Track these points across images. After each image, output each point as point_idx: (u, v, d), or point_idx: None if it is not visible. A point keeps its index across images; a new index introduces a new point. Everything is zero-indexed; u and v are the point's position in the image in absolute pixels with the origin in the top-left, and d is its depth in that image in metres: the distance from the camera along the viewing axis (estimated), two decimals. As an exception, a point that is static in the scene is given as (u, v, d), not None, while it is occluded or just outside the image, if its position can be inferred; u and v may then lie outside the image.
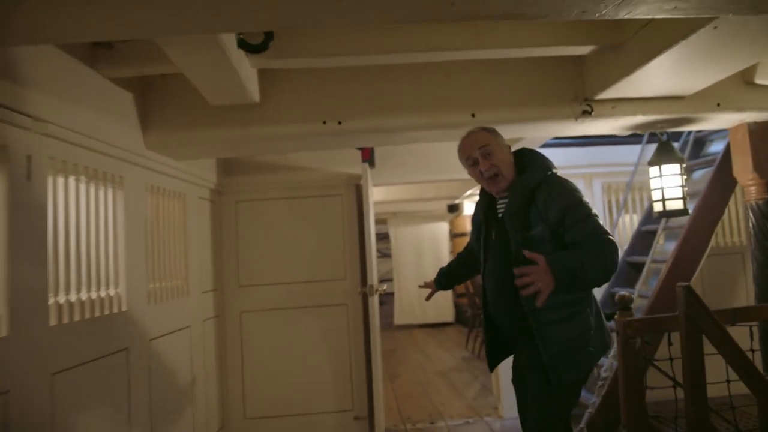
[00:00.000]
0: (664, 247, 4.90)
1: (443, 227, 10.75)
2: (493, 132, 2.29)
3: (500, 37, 2.57)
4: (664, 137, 3.43)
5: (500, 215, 2.24)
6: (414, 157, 4.73)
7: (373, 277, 3.82)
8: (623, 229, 5.20)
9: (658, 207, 3.38)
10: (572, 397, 2.21)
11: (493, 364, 2.48)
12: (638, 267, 4.91)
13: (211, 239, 4.10)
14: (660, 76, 2.80)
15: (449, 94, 3.06)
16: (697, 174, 5.00)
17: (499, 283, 2.22)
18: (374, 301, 3.79)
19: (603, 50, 2.76)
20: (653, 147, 5.22)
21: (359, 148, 3.72)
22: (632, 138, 5.19)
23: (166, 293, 3.22)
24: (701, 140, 5.15)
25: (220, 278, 4.26)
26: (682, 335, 2.93)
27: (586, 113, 3.08)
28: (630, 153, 5.14)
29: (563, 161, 4.96)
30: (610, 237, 2.05)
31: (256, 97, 2.84)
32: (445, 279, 2.83)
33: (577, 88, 3.13)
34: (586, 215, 2.06)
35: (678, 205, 3.30)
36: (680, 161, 3.33)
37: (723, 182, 4.29)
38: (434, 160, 4.75)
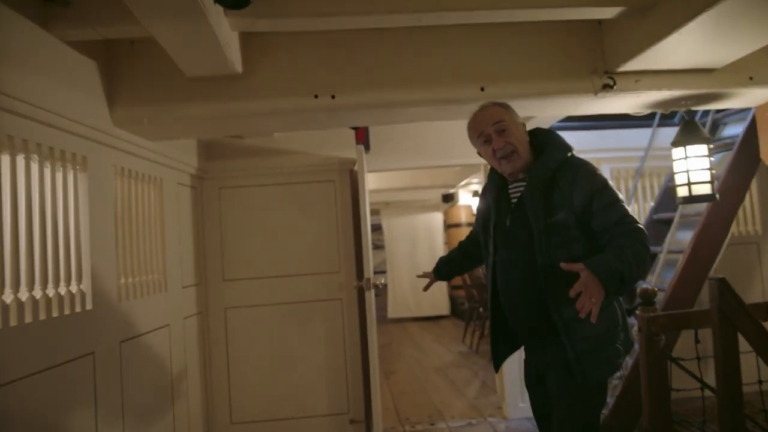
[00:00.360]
0: (678, 236, 4.62)
1: (438, 218, 10.50)
2: (508, 108, 2.07)
3: (516, -5, 2.25)
4: (689, 115, 3.13)
5: (514, 200, 2.04)
6: (412, 141, 4.41)
7: (370, 270, 3.50)
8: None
9: (682, 192, 3.08)
10: (601, 399, 2.02)
11: (499, 363, 2.24)
12: (651, 258, 4.63)
13: (192, 229, 3.76)
14: (690, 45, 2.51)
15: (456, 66, 2.74)
16: (714, 158, 4.72)
17: (515, 274, 2.00)
18: (371, 297, 3.48)
19: (629, 14, 2.44)
20: (666, 130, 4.98)
21: (353, 128, 3.38)
22: (643, 121, 4.91)
23: (141, 289, 2.89)
24: (716, 123, 4.87)
25: (203, 272, 3.92)
26: (715, 332, 2.67)
27: (608, 87, 2.77)
28: (640, 137, 4.85)
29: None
30: (640, 225, 1.86)
31: (238, 66, 2.51)
32: (445, 268, 2.60)
33: (597, 60, 2.82)
34: (614, 200, 1.89)
35: (705, 189, 3.01)
36: (707, 141, 3.04)
37: (744, 166, 4.02)
38: (433, 145, 4.44)
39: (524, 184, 1.99)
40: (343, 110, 2.70)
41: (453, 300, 10.30)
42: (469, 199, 10.10)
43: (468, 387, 5.48)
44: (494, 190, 2.11)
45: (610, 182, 1.95)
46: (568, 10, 2.35)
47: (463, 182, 6.51)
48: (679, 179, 3.10)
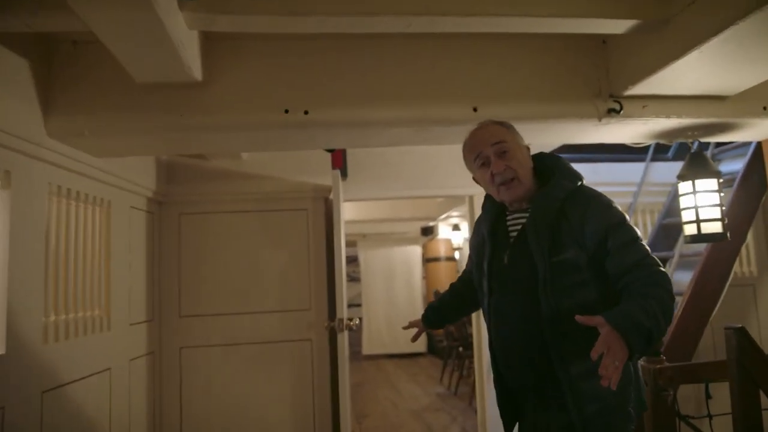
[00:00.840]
0: (676, 277, 4.35)
1: (416, 251, 10.19)
2: (510, 128, 1.79)
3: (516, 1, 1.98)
4: (695, 146, 2.87)
5: (513, 233, 1.75)
6: (392, 169, 4.10)
7: (343, 309, 3.13)
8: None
9: (690, 230, 2.80)
10: None
11: (509, 425, 1.85)
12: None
13: (146, 258, 3.36)
14: (704, 68, 2.27)
15: (446, 82, 2.44)
16: (707, 196, 4.50)
17: (514, 321, 1.71)
18: (344, 339, 3.10)
19: (642, 30, 2.18)
20: (659, 165, 4.77)
21: (329, 151, 3.05)
22: (635, 155, 4.69)
23: (76, 328, 2.48)
24: (712, 159, 4.66)
25: (157, 307, 3.51)
26: (733, 389, 2.36)
27: (613, 112, 2.50)
28: (633, 171, 4.62)
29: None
30: (663, 268, 1.57)
31: (197, 73, 2.17)
32: (435, 315, 2.20)
33: (601, 81, 2.56)
34: (633, 238, 1.61)
35: (715, 227, 2.73)
36: (717, 175, 2.78)
37: (745, 203, 3.80)
38: (415, 173, 4.13)
39: (526, 215, 1.72)
40: (318, 128, 2.37)
41: (430, 337, 9.89)
42: (449, 232, 9.83)
43: (447, 435, 5.07)
44: (490, 220, 1.82)
45: (628, 217, 1.66)
46: (575, 22, 2.08)
47: (444, 215, 6.20)
48: (687, 216, 2.82)
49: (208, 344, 3.54)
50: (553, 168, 1.76)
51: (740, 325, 2.31)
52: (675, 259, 3.68)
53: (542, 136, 2.73)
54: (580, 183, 1.73)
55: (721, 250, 3.74)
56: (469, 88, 2.45)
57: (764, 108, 2.66)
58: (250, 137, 2.45)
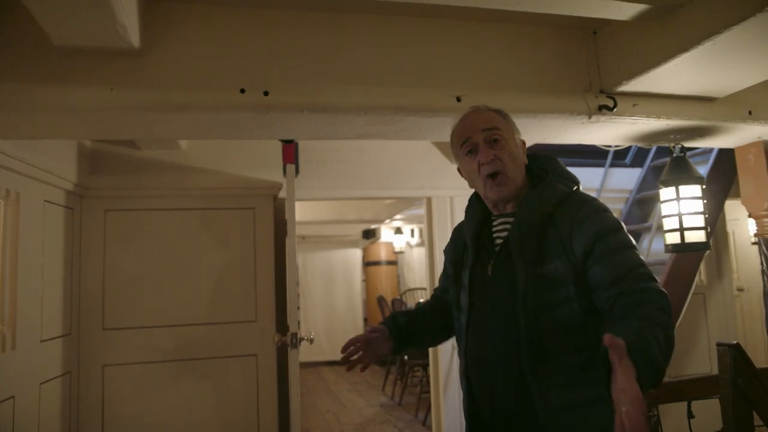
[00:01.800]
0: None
1: (356, 254, 9.90)
2: (506, 117, 1.58)
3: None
4: (676, 150, 2.72)
5: (499, 240, 1.53)
6: (347, 167, 3.78)
7: (296, 322, 2.78)
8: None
9: (672, 239, 2.65)
10: None
11: None
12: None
13: (63, 263, 2.87)
14: (701, 66, 2.13)
15: (426, 66, 2.16)
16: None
17: (495, 340, 1.47)
18: (295, 356, 2.75)
19: (643, 19, 1.99)
20: (617, 171, 4.69)
21: (285, 142, 2.68)
22: (593, 159, 4.59)
23: (-31, 348, 2.00)
24: (663, 168, 4.62)
25: (76, 319, 3.01)
26: (727, 409, 2.22)
27: (606, 109, 2.30)
28: (592, 176, 4.51)
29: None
30: (660, 286, 1.31)
31: (134, 38, 1.77)
32: (403, 320, 1.68)
33: (592, 76, 2.36)
34: (625, 245, 1.37)
35: (699, 236, 2.59)
36: (701, 182, 2.64)
37: (709, 211, 3.75)
38: (371, 173, 3.83)
39: (512, 219, 1.51)
40: (279, 113, 2.02)
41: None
42: (390, 235, 9.60)
43: (396, 451, 4.78)
44: (474, 225, 1.58)
45: (625, 227, 1.43)
46: (576, 2, 1.84)
47: (396, 216, 5.92)
48: (669, 224, 2.66)
49: (137, 361, 3.08)
50: (547, 170, 1.56)
51: (735, 342, 2.16)
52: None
53: (526, 133, 2.48)
54: (576, 187, 1.53)
55: (685, 259, 3.66)
56: (453, 75, 2.18)
57: (749, 112, 2.55)
58: (196, 121, 2.06)
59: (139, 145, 3.10)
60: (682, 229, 2.60)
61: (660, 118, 2.41)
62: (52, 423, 2.69)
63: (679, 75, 2.19)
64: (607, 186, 4.46)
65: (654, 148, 4.58)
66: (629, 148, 4.68)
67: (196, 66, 1.92)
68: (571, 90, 2.31)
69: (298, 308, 9.11)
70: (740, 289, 5.92)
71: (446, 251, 1.72)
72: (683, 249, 2.62)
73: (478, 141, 1.48)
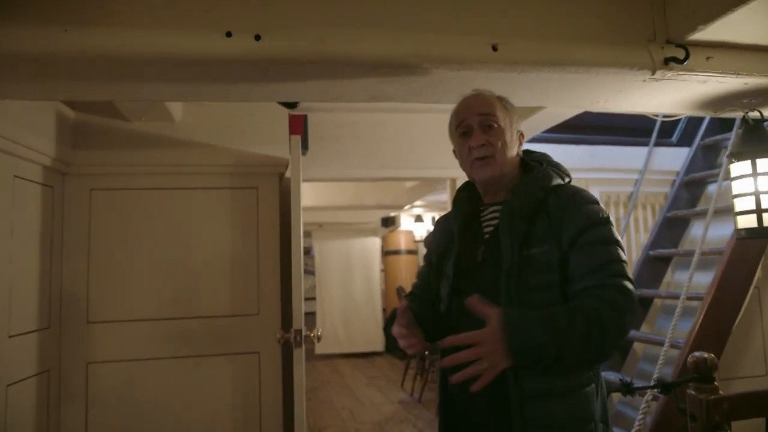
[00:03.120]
0: (676, 278, 3.83)
1: (375, 243, 9.55)
2: (508, 105, 1.59)
3: None
4: (753, 120, 2.28)
5: (488, 228, 1.54)
6: (361, 144, 3.42)
7: (301, 317, 2.42)
8: (626, 252, 4.08)
9: (746, 222, 2.22)
10: None
11: None
12: (645, 302, 3.81)
13: (40, 247, 2.55)
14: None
15: (456, 6, 1.76)
16: (713, 188, 4.00)
17: (474, 324, 1.34)
18: (300, 355, 2.39)
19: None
20: (662, 150, 4.24)
21: (287, 106, 2.29)
22: (636, 137, 4.15)
23: None
24: (714, 147, 4.17)
25: (56, 311, 2.69)
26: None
27: (675, 62, 1.87)
28: (634, 157, 4.07)
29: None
30: (630, 285, 1.34)
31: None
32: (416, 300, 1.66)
33: (656, 22, 1.93)
34: (610, 240, 1.41)
35: (781, 219, 2.16)
36: (782, 154, 2.20)
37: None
38: (389, 151, 3.47)
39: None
40: (274, 64, 1.64)
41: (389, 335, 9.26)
42: (411, 224, 9.24)
43: (415, 455, 4.44)
44: (462, 216, 1.60)
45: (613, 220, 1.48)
46: None
47: (414, 203, 5.53)
48: (742, 205, 2.23)
49: (126, 358, 2.76)
50: (540, 161, 1.60)
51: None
52: (695, 259, 3.11)
53: (572, 92, 2.07)
54: (568, 179, 1.57)
55: (746, 247, 3.22)
56: (488, 18, 1.77)
57: None
58: (170, 73, 1.69)
59: (127, 115, 2.75)
60: (759, 211, 2.16)
61: (739, 74, 1.97)
62: (23, 430, 2.37)
63: (763, 19, 1.77)
64: (651, 167, 4.01)
65: (704, 125, 4.12)
66: (676, 125, 4.22)
67: (170, 1, 1.55)
68: (632, 39, 1.89)
69: (314, 299, 8.90)
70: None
71: (428, 244, 1.70)
72: (760, 234, 2.19)
73: (472, 124, 1.51)
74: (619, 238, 1.42)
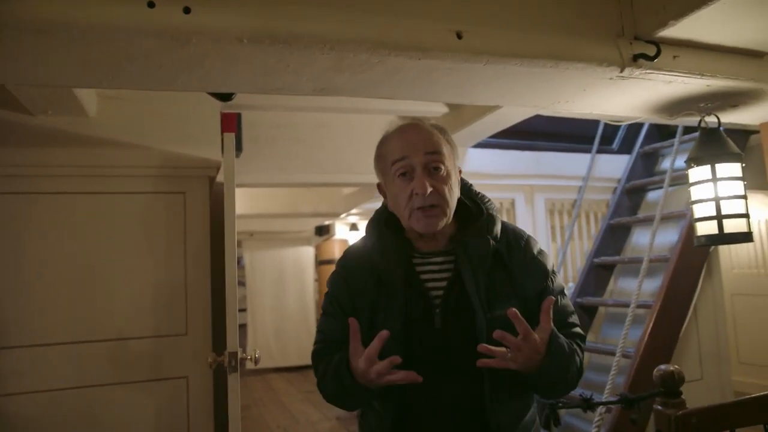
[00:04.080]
0: (620, 286, 3.82)
1: (309, 252, 9.29)
2: (450, 140, 1.41)
3: None
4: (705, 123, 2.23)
5: (432, 283, 1.36)
6: (303, 148, 3.20)
7: (236, 338, 2.14)
8: (570, 260, 4.03)
9: (706, 229, 2.15)
10: None
11: None
12: (590, 311, 3.77)
13: None
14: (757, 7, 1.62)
15: (418, -11, 1.57)
16: (653, 195, 4.04)
17: (453, 392, 1.32)
18: (235, 382, 2.12)
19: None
20: (604, 157, 4.23)
21: (220, 98, 2.01)
22: (579, 144, 4.13)
23: None
24: (653, 155, 4.22)
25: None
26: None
27: (644, 59, 1.77)
28: (578, 163, 4.03)
29: (499, 167, 3.71)
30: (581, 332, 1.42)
31: None
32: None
33: (625, 18, 1.82)
34: (561, 290, 1.41)
35: (741, 225, 2.10)
36: (740, 159, 2.15)
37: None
38: (331, 155, 3.28)
39: (447, 258, 1.37)
40: (206, 42, 1.39)
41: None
42: (345, 232, 9.01)
43: (357, 477, 4.19)
44: (399, 264, 1.35)
45: None
46: None
47: (353, 210, 5.32)
48: (701, 211, 2.17)
49: (25, 390, 2.37)
50: (470, 197, 1.44)
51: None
52: (644, 266, 3.06)
53: (537, 89, 1.92)
54: (500, 216, 1.45)
55: (691, 254, 3.22)
56: (453, 4, 1.60)
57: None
58: (75, 50, 1.39)
59: (29, 107, 2.38)
60: (720, 217, 2.10)
61: (704, 75, 1.90)
62: None
63: (733, 17, 1.70)
64: (593, 174, 3.99)
65: (643, 133, 4.15)
66: (616, 132, 4.24)
67: (76, -40, 1.26)
68: (602, 33, 1.77)
69: (245, 310, 8.50)
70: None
71: (338, 296, 1.40)
72: (720, 241, 2.13)
73: (415, 165, 1.31)
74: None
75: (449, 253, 1.36)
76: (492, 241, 1.34)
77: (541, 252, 1.40)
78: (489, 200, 1.45)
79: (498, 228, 1.38)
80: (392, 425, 1.31)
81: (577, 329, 1.38)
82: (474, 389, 1.29)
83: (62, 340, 2.44)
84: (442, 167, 1.32)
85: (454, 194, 1.34)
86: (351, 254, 1.46)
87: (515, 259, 1.35)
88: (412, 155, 1.31)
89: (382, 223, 1.41)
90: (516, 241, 1.38)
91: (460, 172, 1.42)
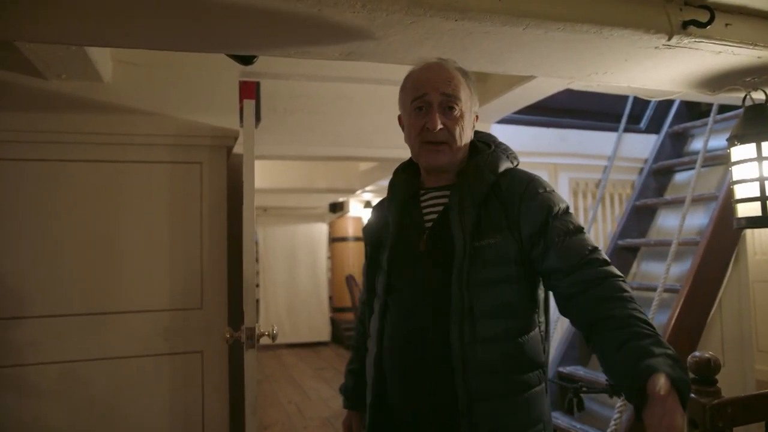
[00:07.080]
0: (643, 269, 3.71)
1: (322, 229, 9.23)
2: (472, 84, 1.44)
3: None
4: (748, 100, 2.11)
5: (430, 215, 1.41)
6: (322, 120, 3.10)
7: (254, 313, 2.08)
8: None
9: (747, 210, 2.04)
10: None
11: None
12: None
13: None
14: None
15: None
16: (681, 177, 3.91)
17: (423, 321, 1.34)
18: (252, 358, 2.06)
19: None
20: (630, 137, 4.09)
21: (241, 61, 1.91)
22: (606, 122, 3.99)
23: None
24: (682, 135, 4.07)
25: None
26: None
27: (695, 26, 1.64)
28: (604, 142, 3.90)
29: (522, 143, 3.58)
30: (615, 269, 1.27)
31: None
32: (355, 391, 1.67)
33: (675, -19, 1.69)
34: (577, 228, 1.31)
35: (785, 208, 1.99)
36: (788, 138, 2.03)
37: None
38: (349, 128, 3.18)
39: (448, 192, 1.41)
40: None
41: (335, 324, 8.98)
42: (359, 210, 8.93)
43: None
44: (399, 201, 1.47)
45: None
46: None
47: (368, 186, 5.23)
48: (743, 191, 2.05)
49: (38, 361, 2.33)
50: (488, 143, 1.48)
51: None
52: (673, 248, 2.96)
53: (577, 59, 1.81)
54: (517, 162, 1.48)
55: (721, 238, 3.11)
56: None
57: None
58: (92, 4, 1.30)
59: (43, 71, 2.30)
60: (764, 199, 1.99)
61: (756, 46, 1.78)
62: None
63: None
64: (619, 153, 3.86)
65: (673, 112, 4.01)
66: (645, 110, 4.09)
67: None
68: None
69: (257, 286, 8.49)
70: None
71: (366, 235, 1.56)
72: (763, 224, 2.02)
73: (432, 101, 1.36)
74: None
75: (450, 188, 1.40)
76: (491, 175, 1.36)
77: (549, 191, 1.35)
78: (507, 147, 1.48)
79: (503, 165, 1.40)
80: (377, 348, 1.39)
81: (598, 271, 1.22)
82: (445, 312, 1.29)
83: (78, 312, 2.39)
84: (457, 108, 1.36)
85: (465, 136, 1.40)
86: (379, 200, 1.60)
87: (512, 196, 1.34)
88: (430, 92, 1.36)
89: (401, 167, 1.52)
90: (521, 179, 1.37)
91: (477, 118, 1.47)
